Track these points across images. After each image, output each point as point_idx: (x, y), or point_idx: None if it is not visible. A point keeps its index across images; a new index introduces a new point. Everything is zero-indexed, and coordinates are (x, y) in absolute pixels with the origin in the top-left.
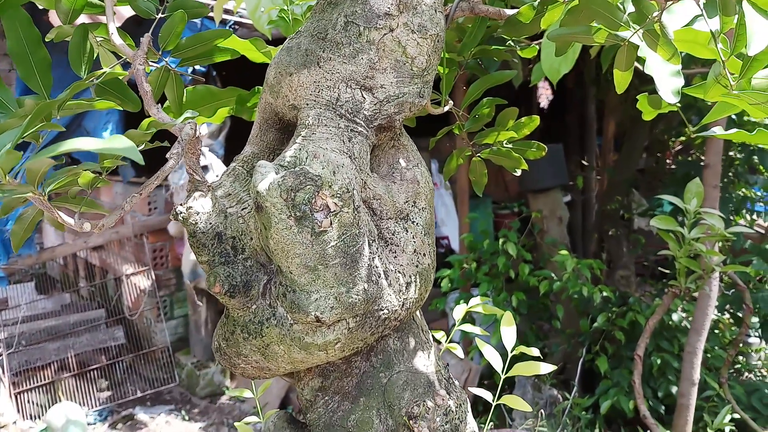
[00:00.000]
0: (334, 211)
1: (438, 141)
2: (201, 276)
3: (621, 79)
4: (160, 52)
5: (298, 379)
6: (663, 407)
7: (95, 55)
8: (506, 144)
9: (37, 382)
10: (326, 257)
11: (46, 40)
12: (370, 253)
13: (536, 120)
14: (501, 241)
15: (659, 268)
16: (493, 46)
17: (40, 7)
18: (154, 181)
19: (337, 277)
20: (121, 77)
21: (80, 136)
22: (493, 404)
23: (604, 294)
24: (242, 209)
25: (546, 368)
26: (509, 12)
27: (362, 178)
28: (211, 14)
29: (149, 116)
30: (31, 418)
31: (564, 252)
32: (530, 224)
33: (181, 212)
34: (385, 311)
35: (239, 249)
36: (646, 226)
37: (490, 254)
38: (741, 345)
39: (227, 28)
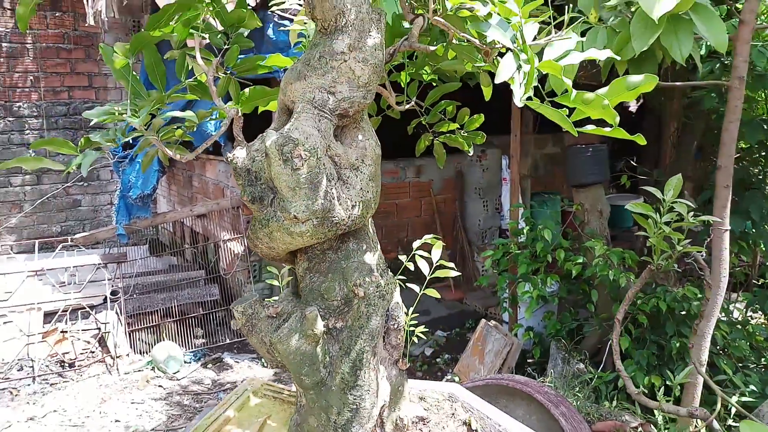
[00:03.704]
0: (305, 158)
1: (508, 141)
2: None
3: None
4: (224, 67)
5: (296, 263)
6: (679, 387)
7: (190, 67)
8: (463, 132)
9: (146, 324)
10: (300, 183)
11: (165, 58)
12: (328, 184)
13: (481, 117)
14: (539, 227)
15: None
16: (447, 65)
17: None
18: (223, 128)
19: (306, 195)
20: (203, 80)
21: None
22: (419, 293)
23: (633, 281)
24: (261, 156)
25: (453, 273)
26: (432, 48)
27: (326, 142)
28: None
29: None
30: (140, 353)
31: (596, 239)
32: (572, 216)
33: (229, 157)
34: (336, 218)
35: (259, 178)
36: (696, 227)
37: (531, 240)
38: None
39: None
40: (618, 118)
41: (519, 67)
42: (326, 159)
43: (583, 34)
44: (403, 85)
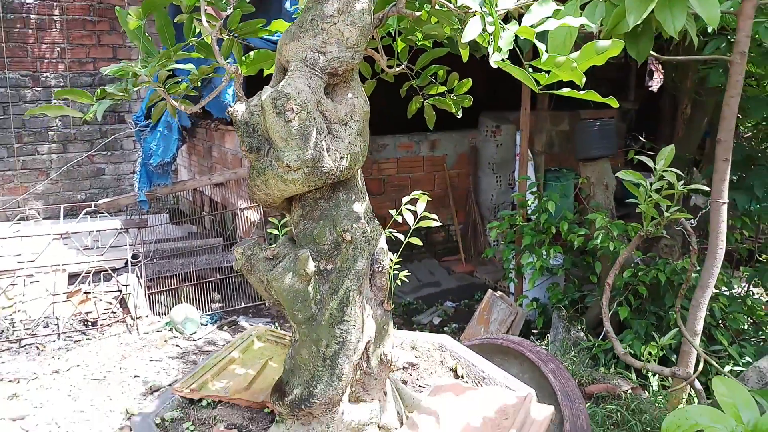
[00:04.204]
0: (296, 111)
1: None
2: None
3: None
4: (227, 29)
5: (291, 211)
6: (675, 355)
7: (198, 30)
8: (452, 96)
9: (165, 287)
10: (291, 135)
11: (175, 21)
12: (318, 137)
13: (469, 82)
14: (544, 200)
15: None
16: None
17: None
18: (224, 83)
19: (297, 145)
20: (208, 42)
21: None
22: (404, 241)
23: (634, 252)
24: (258, 110)
25: (435, 222)
26: (417, 13)
27: (316, 98)
28: None
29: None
30: (159, 315)
31: (599, 212)
32: (578, 189)
33: (230, 110)
34: (325, 168)
35: (256, 130)
36: (702, 203)
37: (539, 212)
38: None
39: None
40: (584, 80)
41: (485, 29)
42: (317, 113)
43: (583, 8)
44: (397, 51)
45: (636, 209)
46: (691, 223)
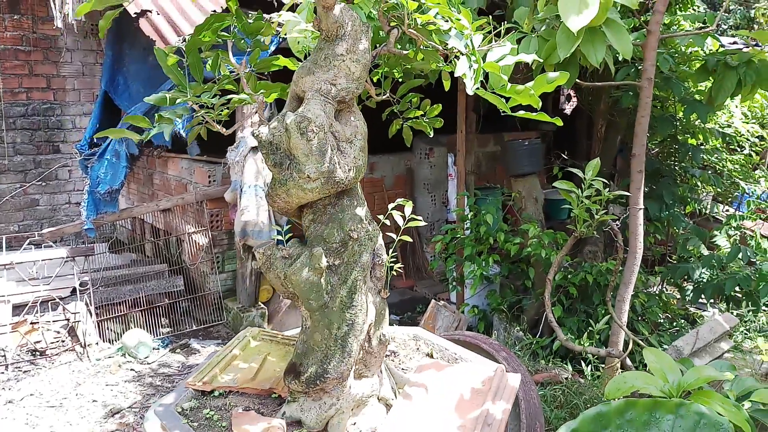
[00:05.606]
0: (316, 131)
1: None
2: (247, 234)
3: None
4: (250, 65)
5: (302, 216)
6: (605, 347)
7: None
8: (425, 118)
9: (114, 314)
10: (312, 151)
11: (202, 56)
12: (331, 153)
13: (438, 107)
14: (482, 212)
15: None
16: (417, 65)
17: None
18: (262, 108)
19: (316, 159)
20: (226, 75)
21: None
22: (396, 239)
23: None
24: (279, 132)
25: (421, 223)
26: (404, 51)
27: (329, 121)
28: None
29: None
30: (109, 342)
31: (531, 222)
32: (511, 203)
33: (255, 133)
34: (337, 178)
35: (279, 148)
36: (619, 212)
37: (476, 225)
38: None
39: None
40: (541, 104)
41: (470, 66)
42: (330, 134)
43: (519, 42)
44: (374, 81)
45: (561, 221)
46: (617, 224)
